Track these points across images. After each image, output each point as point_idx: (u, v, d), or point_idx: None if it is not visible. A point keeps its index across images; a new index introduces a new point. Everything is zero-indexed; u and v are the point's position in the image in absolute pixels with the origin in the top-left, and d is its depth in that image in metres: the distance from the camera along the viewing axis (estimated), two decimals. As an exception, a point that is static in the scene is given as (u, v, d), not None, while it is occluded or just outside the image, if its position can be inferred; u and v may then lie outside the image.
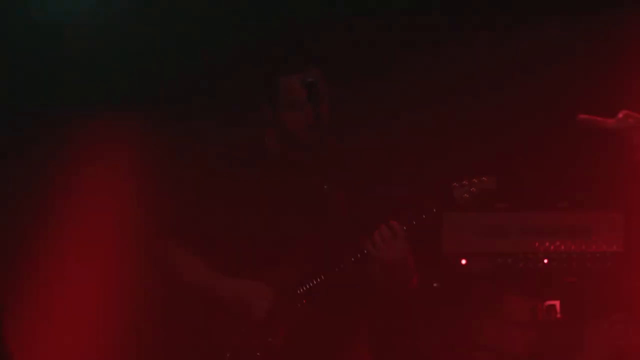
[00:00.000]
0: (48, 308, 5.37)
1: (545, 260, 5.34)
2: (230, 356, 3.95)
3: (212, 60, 5.39)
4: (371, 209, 4.04)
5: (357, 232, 3.96)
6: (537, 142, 5.54)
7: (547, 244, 5.35)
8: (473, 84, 5.59)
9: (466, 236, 5.36)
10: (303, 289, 3.96)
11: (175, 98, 5.42)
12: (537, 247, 5.35)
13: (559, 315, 5.15)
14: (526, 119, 5.58)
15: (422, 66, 5.55)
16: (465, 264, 5.37)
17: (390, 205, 4.02)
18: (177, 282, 4.10)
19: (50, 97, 5.34)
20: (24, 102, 5.30)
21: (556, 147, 5.50)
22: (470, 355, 5.07)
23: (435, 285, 5.32)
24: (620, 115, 3.48)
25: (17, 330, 3.80)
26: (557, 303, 5.19)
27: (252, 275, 4.00)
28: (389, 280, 4.00)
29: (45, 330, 5.33)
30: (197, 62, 5.40)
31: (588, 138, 3.98)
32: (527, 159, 5.54)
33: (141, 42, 5.38)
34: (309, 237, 4.02)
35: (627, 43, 5.46)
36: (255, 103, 4.08)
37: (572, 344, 5.10)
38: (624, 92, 5.17)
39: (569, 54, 5.58)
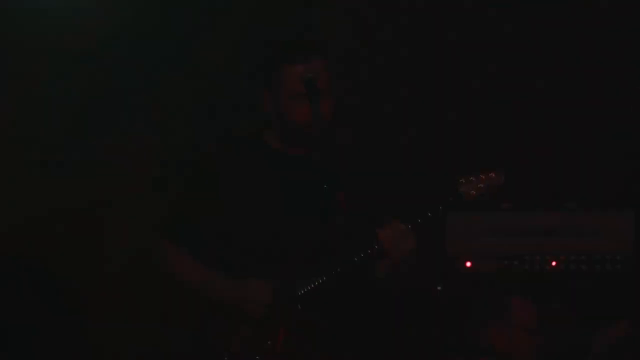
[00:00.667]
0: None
1: (553, 263, 5.31)
2: (228, 360, 3.91)
3: (210, 54, 5.39)
4: (373, 208, 3.99)
5: (358, 232, 3.89)
6: (545, 140, 5.56)
7: (554, 245, 5.31)
8: (479, 80, 5.60)
9: (471, 237, 5.33)
10: (303, 291, 3.88)
11: (171, 94, 5.42)
12: (544, 249, 5.32)
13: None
14: (533, 115, 5.59)
15: (426, 61, 5.57)
16: (470, 266, 5.34)
17: (393, 203, 3.97)
18: (173, 282, 4.03)
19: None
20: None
21: (564, 144, 5.53)
22: (474, 360, 4.98)
23: (438, 288, 5.29)
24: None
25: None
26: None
27: (251, 276, 3.93)
28: (395, 279, 3.94)
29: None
30: (195, 56, 5.41)
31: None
32: (534, 156, 5.54)
33: (136, 37, 5.38)
34: (309, 237, 3.96)
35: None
36: (256, 96, 4.01)
37: (580, 349, 5.02)
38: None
39: (577, 51, 5.60)
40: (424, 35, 5.60)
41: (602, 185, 5.45)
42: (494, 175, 3.85)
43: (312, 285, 3.87)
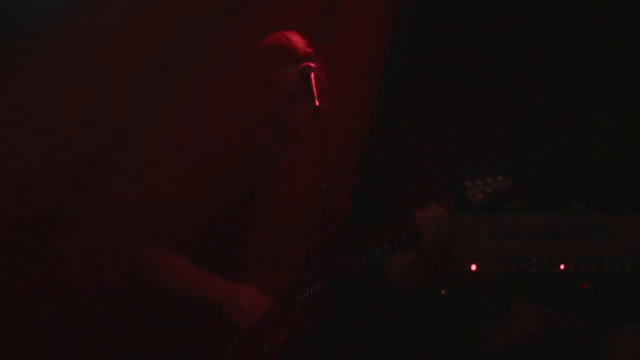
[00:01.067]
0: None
1: (561, 266, 5.20)
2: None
3: (203, 50, 5.30)
4: (375, 210, 3.98)
5: (359, 235, 3.89)
6: (553, 138, 5.53)
7: (563, 247, 5.20)
8: (486, 81, 5.58)
9: (476, 239, 5.22)
10: (302, 296, 3.88)
11: (162, 91, 5.32)
12: (552, 251, 5.21)
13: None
14: (542, 113, 5.56)
15: (431, 60, 5.57)
16: (475, 269, 5.23)
17: (396, 206, 3.98)
18: (165, 288, 4.03)
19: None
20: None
21: (573, 143, 5.51)
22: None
23: (443, 292, 5.21)
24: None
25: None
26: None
27: (247, 281, 3.93)
28: (411, 277, 3.96)
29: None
30: (188, 53, 5.33)
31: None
32: (543, 156, 5.51)
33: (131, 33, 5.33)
34: (307, 240, 3.95)
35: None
36: (249, 96, 4.02)
37: (588, 355, 4.99)
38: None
39: (588, 49, 5.57)
40: (430, 35, 5.60)
41: (611, 186, 5.42)
42: (501, 179, 3.83)
43: (312, 291, 3.86)
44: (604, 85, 5.49)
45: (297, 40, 3.95)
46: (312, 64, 3.82)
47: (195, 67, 5.29)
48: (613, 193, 5.34)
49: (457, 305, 5.16)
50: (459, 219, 5.05)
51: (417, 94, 5.55)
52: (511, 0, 5.51)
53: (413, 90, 5.55)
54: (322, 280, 3.85)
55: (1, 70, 5.12)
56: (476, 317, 5.11)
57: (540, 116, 5.54)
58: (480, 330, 5.09)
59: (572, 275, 5.17)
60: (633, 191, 5.29)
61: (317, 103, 3.76)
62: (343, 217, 3.88)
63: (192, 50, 5.31)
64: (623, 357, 4.90)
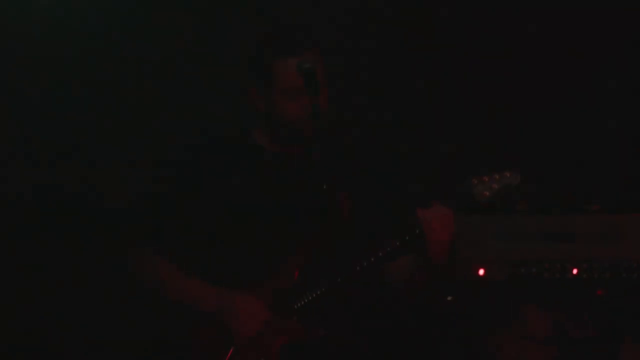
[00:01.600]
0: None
1: (575, 270, 5.13)
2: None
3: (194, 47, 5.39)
4: (378, 211, 3.89)
5: (362, 237, 3.81)
6: (565, 137, 5.50)
7: (576, 251, 5.15)
8: (498, 78, 5.58)
9: (484, 242, 5.17)
10: (300, 303, 3.75)
11: (152, 89, 5.39)
12: (564, 255, 5.15)
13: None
14: (554, 111, 5.56)
15: (435, 55, 5.56)
16: (484, 273, 5.18)
17: (399, 206, 3.91)
18: (155, 296, 3.94)
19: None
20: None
21: (586, 142, 5.48)
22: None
23: (449, 298, 5.15)
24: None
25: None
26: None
27: (243, 287, 3.79)
28: (411, 282, 3.85)
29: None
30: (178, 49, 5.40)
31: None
32: (554, 155, 5.49)
33: (118, 29, 5.39)
34: (307, 244, 3.83)
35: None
36: (244, 92, 3.92)
37: None
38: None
39: (602, 50, 5.58)
40: (437, 29, 5.60)
41: (627, 186, 5.37)
42: (509, 175, 3.74)
43: (311, 297, 3.75)
44: (615, 83, 5.49)
45: (297, 33, 3.88)
46: (312, 58, 3.73)
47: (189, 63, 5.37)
48: (626, 193, 5.29)
49: (463, 311, 5.10)
50: (467, 221, 5.07)
51: (420, 91, 5.53)
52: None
53: (416, 88, 5.53)
54: (321, 285, 3.74)
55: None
56: (483, 323, 5.05)
57: (553, 111, 5.52)
58: (483, 335, 5.06)
59: (585, 280, 5.10)
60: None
61: (318, 97, 3.69)
62: (343, 219, 3.80)
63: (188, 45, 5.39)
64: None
